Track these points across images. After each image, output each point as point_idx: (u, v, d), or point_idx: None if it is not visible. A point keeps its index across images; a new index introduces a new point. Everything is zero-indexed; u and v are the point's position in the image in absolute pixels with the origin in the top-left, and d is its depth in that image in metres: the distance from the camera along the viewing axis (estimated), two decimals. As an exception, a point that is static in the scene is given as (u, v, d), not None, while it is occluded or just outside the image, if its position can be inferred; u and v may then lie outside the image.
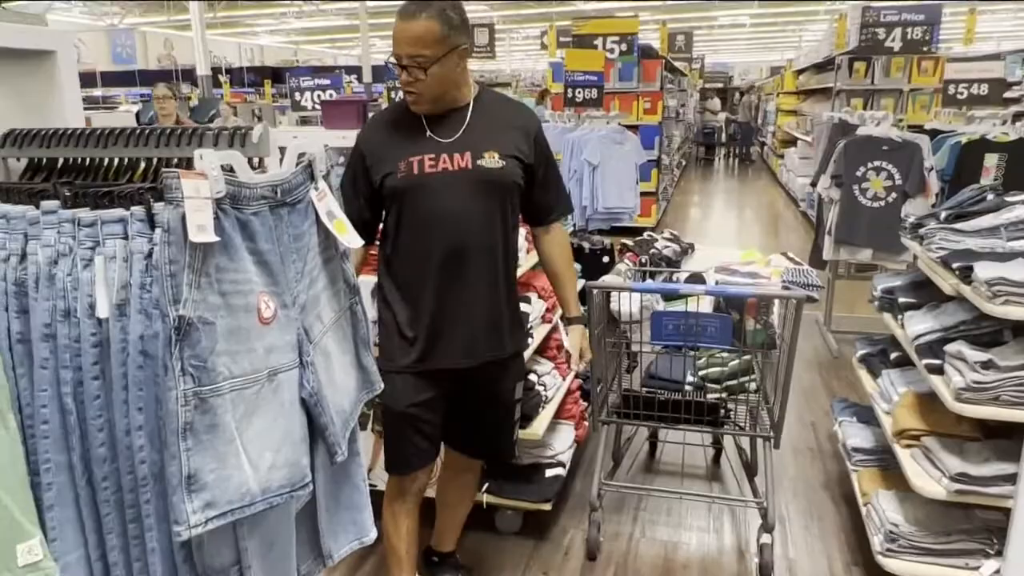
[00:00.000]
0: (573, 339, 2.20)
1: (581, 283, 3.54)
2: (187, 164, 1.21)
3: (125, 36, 23.16)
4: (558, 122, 5.81)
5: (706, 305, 2.44)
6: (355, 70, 18.45)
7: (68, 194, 1.12)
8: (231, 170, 1.10)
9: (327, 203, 1.29)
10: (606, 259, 4.71)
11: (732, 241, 8.50)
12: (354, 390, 1.41)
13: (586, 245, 4.78)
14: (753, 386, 2.72)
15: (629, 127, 5.99)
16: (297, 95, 8.00)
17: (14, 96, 1.45)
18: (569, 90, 5.93)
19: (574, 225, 4.87)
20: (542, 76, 17.26)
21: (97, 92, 17.63)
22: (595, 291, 2.48)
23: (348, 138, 2.56)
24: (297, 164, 1.24)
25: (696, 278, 2.60)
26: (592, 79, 5.91)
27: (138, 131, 1.22)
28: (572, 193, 5.09)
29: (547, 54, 12.38)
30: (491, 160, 1.89)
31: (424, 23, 1.75)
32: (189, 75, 16.81)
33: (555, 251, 2.16)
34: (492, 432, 2.19)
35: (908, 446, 2.38)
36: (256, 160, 1.27)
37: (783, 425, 2.52)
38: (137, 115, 12.02)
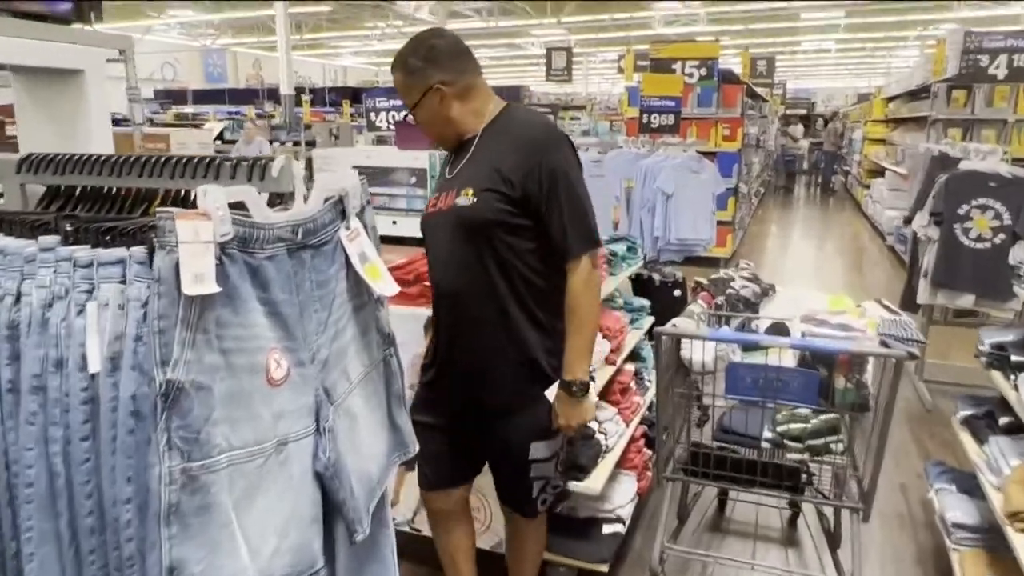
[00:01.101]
0: (556, 404, 1.87)
1: (649, 321, 3.34)
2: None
3: (217, 56, 24.31)
4: (632, 147, 5.61)
5: (789, 358, 2.18)
6: (431, 91, 18.63)
7: (69, 228, 1.00)
8: (243, 207, 0.96)
9: (359, 244, 1.14)
10: (677, 292, 4.46)
11: (812, 275, 8.04)
12: (383, 454, 1.25)
13: (656, 277, 4.54)
14: (840, 447, 2.43)
15: (706, 154, 5.73)
16: (372, 115, 8.00)
17: (44, 116, 1.36)
18: (644, 115, 5.73)
19: (644, 256, 4.64)
20: (617, 100, 17.06)
21: (187, 109, 18.39)
22: (664, 336, 2.25)
23: (420, 159, 2.46)
24: (326, 200, 1.10)
25: (779, 328, 2.34)
26: (669, 104, 5.72)
27: (152, 159, 1.10)
28: (644, 223, 4.87)
29: (623, 78, 12.19)
30: (465, 198, 1.78)
31: (396, 76, 1.85)
32: (274, 94, 17.34)
33: (566, 296, 1.83)
34: (508, 484, 2.07)
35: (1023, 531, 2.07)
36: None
37: (874, 495, 2.23)
38: (221, 133, 12.25)
